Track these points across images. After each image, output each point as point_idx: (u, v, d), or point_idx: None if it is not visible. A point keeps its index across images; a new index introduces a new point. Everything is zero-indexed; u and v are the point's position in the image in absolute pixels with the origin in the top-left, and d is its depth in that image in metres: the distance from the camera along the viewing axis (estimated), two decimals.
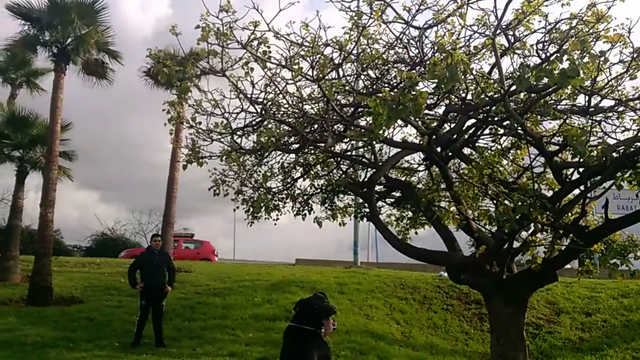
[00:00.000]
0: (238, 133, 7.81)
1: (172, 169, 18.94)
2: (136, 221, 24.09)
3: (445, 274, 11.91)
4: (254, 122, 7.79)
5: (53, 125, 14.31)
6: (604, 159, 5.27)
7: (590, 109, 6.64)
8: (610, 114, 6.99)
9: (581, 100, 6.93)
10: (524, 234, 6.91)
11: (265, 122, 7.68)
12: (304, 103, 7.49)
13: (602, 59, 4.82)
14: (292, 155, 8.84)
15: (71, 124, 17.67)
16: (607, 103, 6.91)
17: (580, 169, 6.06)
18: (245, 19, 6.21)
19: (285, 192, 9.41)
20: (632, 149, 5.48)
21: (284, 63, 6.50)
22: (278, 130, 7.70)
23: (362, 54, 7.00)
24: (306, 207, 9.68)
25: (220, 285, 13.98)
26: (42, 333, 9.77)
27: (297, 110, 7.43)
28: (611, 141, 6.36)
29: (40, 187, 14.15)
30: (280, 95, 7.24)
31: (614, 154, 5.35)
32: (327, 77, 6.82)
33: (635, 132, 6.06)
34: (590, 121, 6.86)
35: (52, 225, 13.81)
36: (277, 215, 9.34)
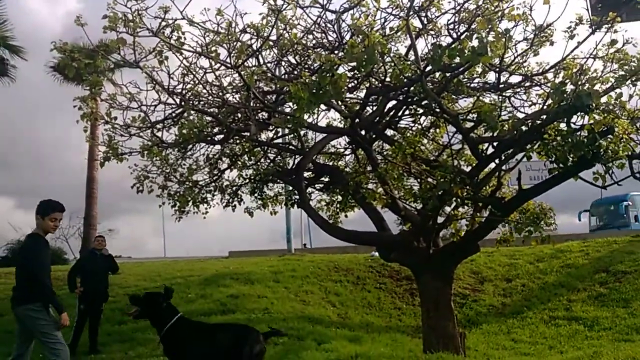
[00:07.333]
0: (158, 126, 7.50)
1: (91, 168, 18.02)
2: None
3: (377, 254, 12.21)
4: (174, 114, 7.51)
5: None
6: (514, 132, 5.59)
7: (500, 86, 7.01)
8: (518, 90, 7.42)
9: (491, 77, 7.30)
10: (447, 209, 7.22)
11: (186, 114, 7.44)
12: (225, 92, 7.32)
13: (507, 36, 5.07)
14: (218, 146, 8.65)
15: None
16: (515, 79, 7.34)
17: (495, 143, 6.40)
18: (155, 8, 5.98)
19: (213, 184, 9.20)
20: (538, 122, 5.85)
21: (199, 50, 6.31)
22: (200, 121, 7.48)
23: (280, 39, 6.94)
24: (235, 198, 9.53)
25: (151, 285, 13.44)
26: None
27: (218, 100, 7.26)
28: (520, 115, 6.77)
29: None
30: (200, 85, 7.03)
31: (523, 127, 5.69)
32: (246, 64, 6.70)
33: (541, 106, 6.46)
34: (500, 97, 7.24)
35: None
36: (205, 208, 9.14)
